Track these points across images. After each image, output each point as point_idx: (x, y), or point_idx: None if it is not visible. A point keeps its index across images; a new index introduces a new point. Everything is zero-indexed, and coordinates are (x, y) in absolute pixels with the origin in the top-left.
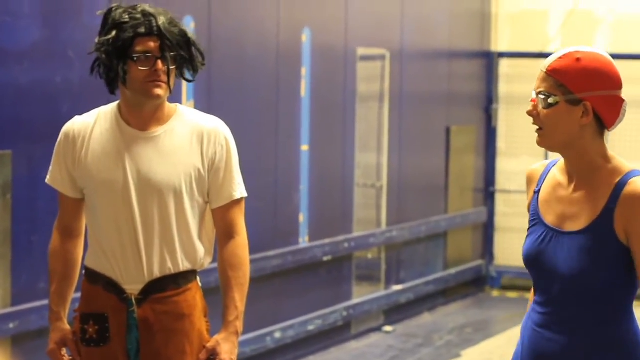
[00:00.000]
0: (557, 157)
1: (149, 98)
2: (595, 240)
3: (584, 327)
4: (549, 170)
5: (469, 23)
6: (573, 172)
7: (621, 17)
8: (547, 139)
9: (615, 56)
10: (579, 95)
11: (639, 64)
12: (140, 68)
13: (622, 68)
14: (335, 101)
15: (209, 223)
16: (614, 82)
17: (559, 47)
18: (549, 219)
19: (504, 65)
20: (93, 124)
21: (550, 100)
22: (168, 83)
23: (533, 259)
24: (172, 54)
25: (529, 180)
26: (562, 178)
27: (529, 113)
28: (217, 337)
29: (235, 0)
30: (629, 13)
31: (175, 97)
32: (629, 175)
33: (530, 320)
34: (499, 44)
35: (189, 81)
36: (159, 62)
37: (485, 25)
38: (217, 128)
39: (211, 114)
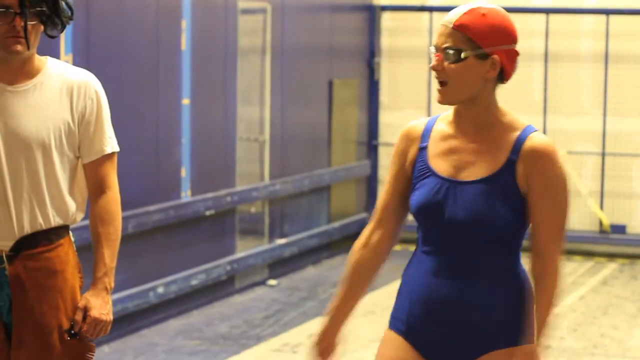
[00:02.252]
0: (435, 115)
1: (9, 53)
2: (498, 188)
3: (480, 271)
4: (432, 126)
5: None
6: (469, 125)
7: None
8: (451, 94)
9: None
10: (487, 49)
11: (528, 17)
12: None
13: (513, 21)
14: (217, 55)
15: (81, 178)
16: (514, 37)
17: (440, 2)
18: (442, 170)
19: (386, 19)
20: None
21: (462, 55)
22: (27, 39)
23: (428, 208)
24: (33, 9)
25: (408, 138)
26: (452, 130)
27: (434, 68)
28: (86, 294)
29: None
30: None
31: (54, 51)
32: (527, 131)
33: (420, 268)
34: None
35: (51, 37)
36: (17, 18)
37: None
38: (88, 81)
39: (90, 67)
